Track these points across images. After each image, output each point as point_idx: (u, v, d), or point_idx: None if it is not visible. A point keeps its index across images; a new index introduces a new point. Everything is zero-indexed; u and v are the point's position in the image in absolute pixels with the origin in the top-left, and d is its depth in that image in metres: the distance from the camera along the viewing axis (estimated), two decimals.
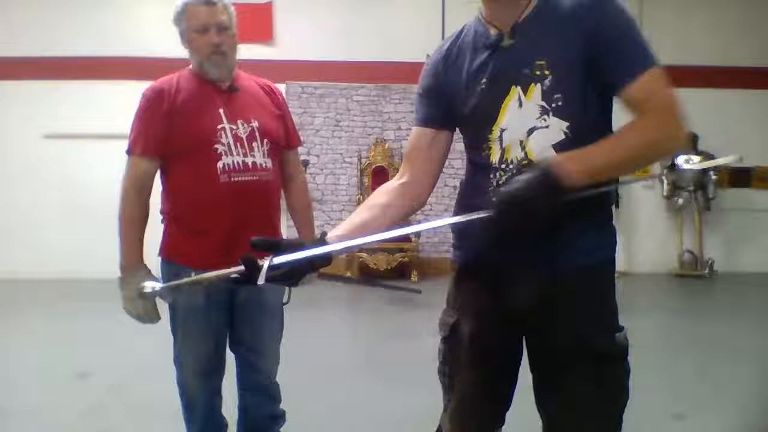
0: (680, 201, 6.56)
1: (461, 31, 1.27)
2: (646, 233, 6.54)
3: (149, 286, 1.09)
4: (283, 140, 1.93)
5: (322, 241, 1.09)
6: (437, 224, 1.18)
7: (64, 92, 6.18)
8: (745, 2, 6.63)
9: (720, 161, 1.01)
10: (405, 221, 1.38)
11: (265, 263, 0.99)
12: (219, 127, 1.76)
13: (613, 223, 1.25)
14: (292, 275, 1.04)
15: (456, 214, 1.30)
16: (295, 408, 2.10)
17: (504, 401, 1.28)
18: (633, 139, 1.08)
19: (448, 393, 1.30)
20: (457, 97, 1.22)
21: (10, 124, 6.22)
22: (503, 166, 1.17)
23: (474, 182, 1.25)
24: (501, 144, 1.17)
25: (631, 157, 1.09)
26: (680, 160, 6.57)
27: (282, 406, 2.05)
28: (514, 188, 1.02)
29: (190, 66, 1.85)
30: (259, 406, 1.99)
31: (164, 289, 1.09)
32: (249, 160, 1.78)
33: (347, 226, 1.16)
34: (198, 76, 1.82)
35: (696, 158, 6.53)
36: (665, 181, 6.62)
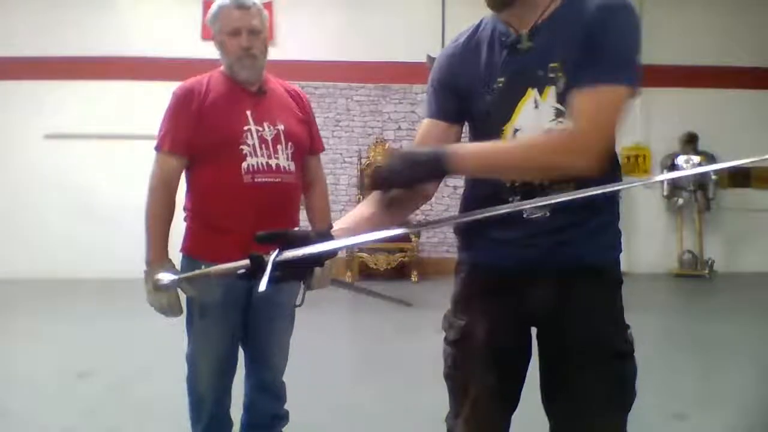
0: (680, 201, 6.57)
1: (478, 26, 1.25)
2: (646, 233, 6.54)
3: (165, 278, 1.11)
4: (306, 144, 1.96)
5: (327, 234, 1.06)
6: (456, 219, 1.15)
7: (65, 92, 6.18)
8: (745, 2, 6.63)
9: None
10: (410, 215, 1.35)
11: (270, 261, 0.97)
12: (245, 128, 1.79)
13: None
14: (299, 271, 1.02)
15: (464, 211, 1.29)
16: (296, 408, 2.10)
17: (514, 401, 1.28)
18: (537, 153, 1.08)
19: (459, 397, 1.28)
20: (472, 92, 1.21)
21: (10, 124, 6.23)
22: None
23: (484, 181, 1.23)
24: None
25: (524, 167, 1.10)
26: (680, 161, 6.59)
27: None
28: (405, 157, 1.10)
29: (221, 68, 1.88)
30: (263, 403, 2.01)
31: (176, 281, 1.12)
32: (273, 162, 1.81)
33: (353, 219, 1.13)
34: (228, 78, 1.85)
35: (696, 158, 6.54)
36: (665, 181, 6.62)
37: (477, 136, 1.24)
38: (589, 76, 1.05)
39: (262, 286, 0.97)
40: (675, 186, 6.59)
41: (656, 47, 6.61)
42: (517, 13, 1.16)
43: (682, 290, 5.97)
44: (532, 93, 1.15)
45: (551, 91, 1.13)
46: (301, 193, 2.00)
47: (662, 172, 6.64)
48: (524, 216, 1.16)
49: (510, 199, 1.17)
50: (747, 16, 6.61)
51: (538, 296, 1.18)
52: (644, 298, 5.66)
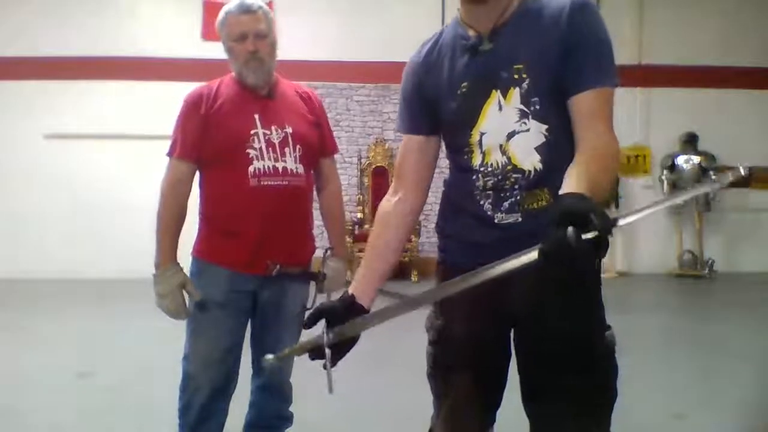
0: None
1: (440, 34, 1.27)
2: (646, 233, 6.54)
3: (266, 360, 1.21)
4: (316, 147, 1.96)
5: (352, 303, 1.20)
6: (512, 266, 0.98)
7: (65, 92, 6.18)
8: (746, 2, 6.63)
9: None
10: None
11: (326, 348, 1.14)
12: (252, 132, 1.80)
13: None
14: (347, 348, 1.19)
15: (443, 214, 1.32)
16: (297, 407, 2.11)
17: (495, 400, 1.29)
18: (613, 169, 1.11)
19: (441, 397, 1.29)
20: (439, 100, 1.22)
21: (10, 123, 6.23)
22: (483, 169, 1.18)
23: (458, 185, 1.26)
24: (481, 148, 1.18)
25: (608, 183, 1.09)
26: (680, 161, 6.60)
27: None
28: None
29: (232, 73, 1.89)
30: (268, 403, 2.02)
31: (276, 362, 1.22)
32: (280, 165, 1.82)
33: (372, 283, 1.24)
34: (238, 83, 1.86)
35: (696, 158, 6.55)
36: (665, 181, 6.63)
37: (448, 142, 1.27)
38: (586, 80, 1.10)
39: (332, 386, 1.11)
40: (675, 186, 6.59)
41: (656, 47, 6.63)
42: (481, 14, 1.17)
43: (682, 290, 5.97)
44: (495, 95, 1.15)
45: (515, 93, 1.14)
46: (312, 195, 2.00)
47: (662, 173, 6.65)
48: (495, 221, 1.17)
49: (481, 201, 1.19)
50: (747, 16, 6.61)
51: (515, 298, 1.17)
52: (644, 298, 5.67)
